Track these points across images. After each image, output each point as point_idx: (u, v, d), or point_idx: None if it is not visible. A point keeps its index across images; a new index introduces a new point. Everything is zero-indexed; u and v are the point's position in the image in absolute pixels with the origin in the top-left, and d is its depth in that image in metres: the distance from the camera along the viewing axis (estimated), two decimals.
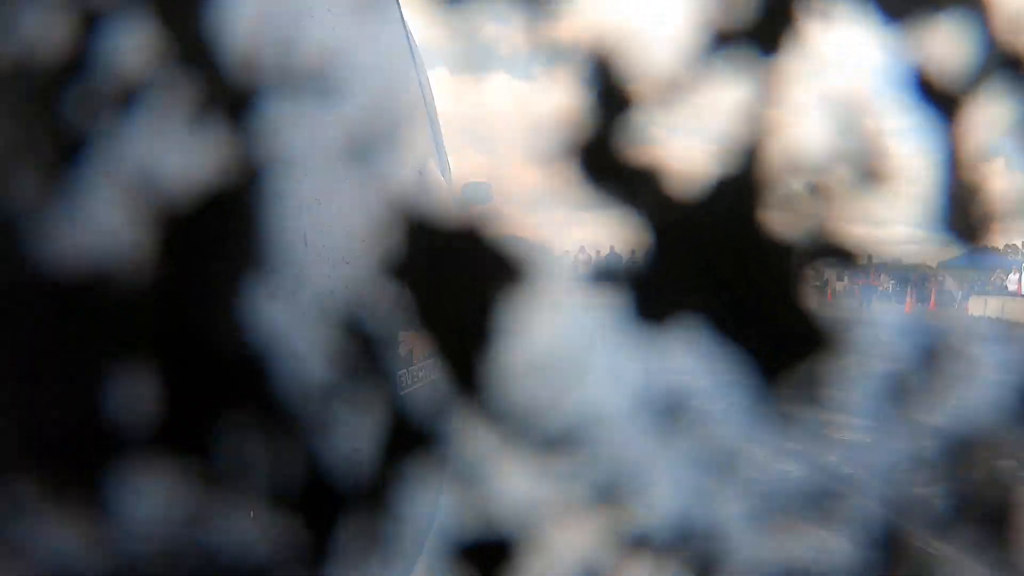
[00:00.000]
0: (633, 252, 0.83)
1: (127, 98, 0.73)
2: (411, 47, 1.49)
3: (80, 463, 0.70)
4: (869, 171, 0.76)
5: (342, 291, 1.03)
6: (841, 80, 0.82)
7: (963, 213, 0.73)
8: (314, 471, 0.89)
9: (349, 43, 1.15)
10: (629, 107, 0.82)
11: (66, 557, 0.67)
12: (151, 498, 0.72)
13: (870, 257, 0.80)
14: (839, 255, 0.79)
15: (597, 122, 0.83)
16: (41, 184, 0.66)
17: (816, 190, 0.78)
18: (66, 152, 0.68)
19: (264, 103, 0.90)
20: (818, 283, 0.82)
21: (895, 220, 0.79)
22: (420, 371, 1.19)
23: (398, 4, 1.45)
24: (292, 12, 1.01)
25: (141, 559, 0.72)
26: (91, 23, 0.69)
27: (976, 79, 0.71)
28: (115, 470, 0.70)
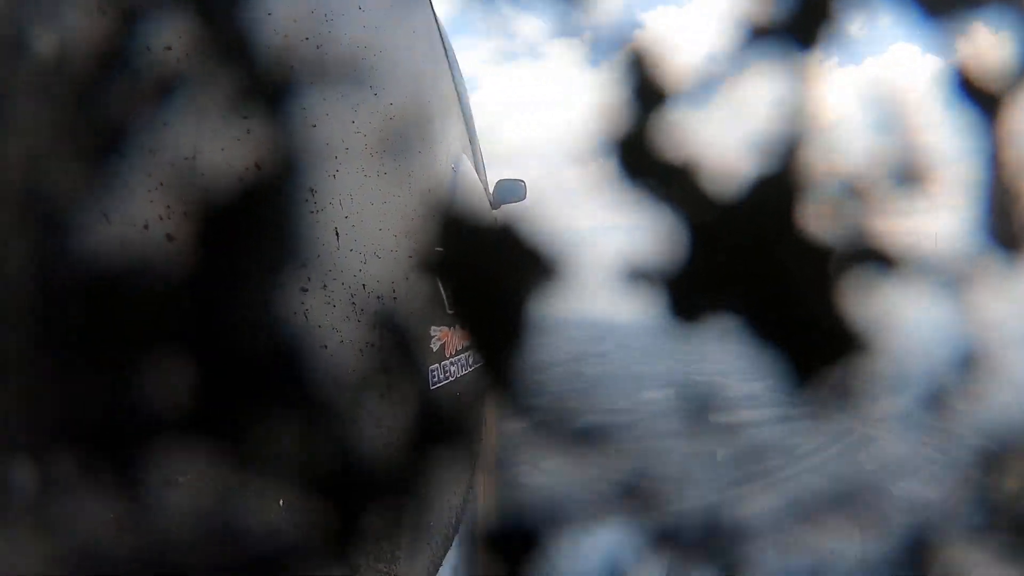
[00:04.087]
0: (670, 250, 0.82)
1: (164, 90, 0.74)
2: (444, 42, 1.50)
3: (118, 451, 0.71)
4: (910, 172, 0.75)
5: (374, 285, 1.04)
6: (882, 78, 0.80)
7: (1005, 217, 0.72)
8: (345, 463, 0.90)
9: (381, 37, 1.16)
10: (667, 103, 0.81)
11: (100, 539, 0.68)
12: (186, 486, 0.73)
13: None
14: (877, 257, 0.78)
15: (634, 118, 0.82)
16: (79, 176, 0.68)
17: (856, 191, 0.77)
18: (104, 144, 0.69)
19: (298, 97, 0.91)
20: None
21: (934, 224, 0.78)
22: (451, 366, 1.20)
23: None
24: (324, 10, 1.02)
25: (173, 544, 0.74)
26: (131, 15, 0.70)
27: (1020, 79, 0.70)
28: (151, 458, 0.72)
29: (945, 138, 0.75)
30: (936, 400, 0.81)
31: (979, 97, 0.70)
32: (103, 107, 0.69)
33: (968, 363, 0.79)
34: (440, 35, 1.46)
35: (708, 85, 0.82)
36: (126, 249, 0.69)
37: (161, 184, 0.73)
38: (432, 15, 1.43)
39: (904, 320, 0.76)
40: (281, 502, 0.80)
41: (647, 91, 0.82)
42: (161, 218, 0.73)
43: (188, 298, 0.76)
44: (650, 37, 0.82)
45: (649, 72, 0.82)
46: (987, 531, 0.81)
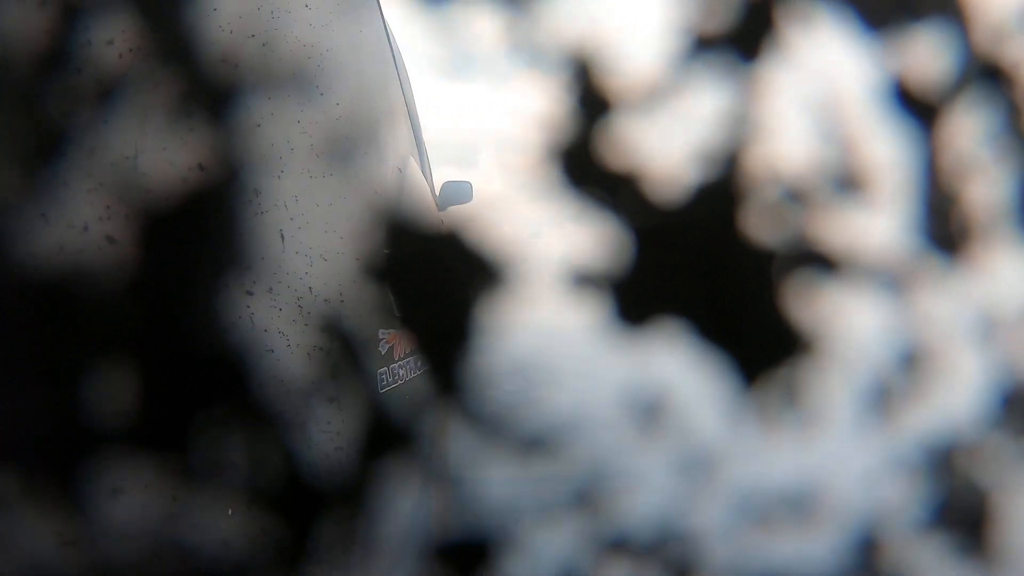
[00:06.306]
0: (613, 257, 0.83)
1: (105, 87, 0.72)
2: (391, 44, 1.49)
3: (58, 462, 0.69)
4: (848, 179, 0.77)
5: (320, 288, 1.03)
6: (821, 88, 0.83)
7: (942, 222, 0.75)
8: (293, 471, 0.89)
9: (329, 37, 1.15)
10: (610, 111, 0.82)
11: (42, 557, 0.66)
12: (129, 497, 0.71)
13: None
14: (818, 262, 0.80)
15: (577, 126, 0.83)
16: (16, 176, 0.65)
17: (797, 196, 0.79)
18: (42, 142, 0.67)
19: (242, 96, 0.89)
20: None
21: (874, 228, 0.81)
22: (400, 369, 1.19)
23: (378, 1, 1.45)
24: (270, 8, 1.00)
25: (119, 559, 0.71)
26: (72, 8, 0.68)
27: (956, 88, 0.73)
28: (90, 468, 0.70)
29: (884, 145, 0.78)
30: (881, 400, 0.84)
31: (916, 106, 0.73)
32: (41, 104, 0.66)
33: (911, 363, 0.82)
34: (388, 36, 1.46)
35: (653, 93, 0.83)
36: (65, 251, 0.67)
37: (101, 184, 0.70)
38: (380, 16, 1.42)
39: (847, 321, 0.78)
40: (230, 511, 0.78)
41: (591, 99, 0.82)
42: (101, 219, 0.70)
43: (129, 302, 0.74)
44: (596, 45, 0.83)
45: (593, 80, 0.82)
46: (935, 529, 0.84)
